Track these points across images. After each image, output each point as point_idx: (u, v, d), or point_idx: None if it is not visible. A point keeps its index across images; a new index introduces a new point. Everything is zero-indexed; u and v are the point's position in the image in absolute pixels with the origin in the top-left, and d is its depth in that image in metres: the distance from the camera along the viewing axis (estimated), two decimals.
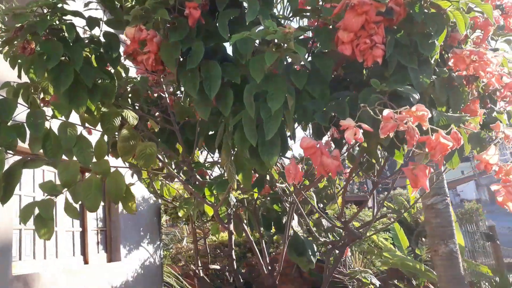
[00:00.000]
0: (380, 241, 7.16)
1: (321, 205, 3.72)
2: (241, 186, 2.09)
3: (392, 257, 6.68)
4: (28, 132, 1.84)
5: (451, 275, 4.14)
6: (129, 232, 5.91)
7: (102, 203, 5.28)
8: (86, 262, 4.78)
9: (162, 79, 2.41)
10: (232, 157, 1.80)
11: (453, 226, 4.30)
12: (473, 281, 6.93)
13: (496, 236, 7.70)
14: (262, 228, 2.90)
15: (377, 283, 5.52)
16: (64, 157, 1.89)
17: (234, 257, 2.79)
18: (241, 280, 2.84)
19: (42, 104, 2.03)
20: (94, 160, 1.91)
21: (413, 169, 1.32)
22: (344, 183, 3.09)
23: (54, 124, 1.97)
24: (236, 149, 1.77)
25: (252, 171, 1.95)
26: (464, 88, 1.72)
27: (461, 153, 1.56)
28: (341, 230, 3.43)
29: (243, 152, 1.58)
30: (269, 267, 2.70)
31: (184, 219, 7.57)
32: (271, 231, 3.06)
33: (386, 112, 1.21)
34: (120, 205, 5.60)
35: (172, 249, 7.73)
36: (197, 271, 3.02)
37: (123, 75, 2.30)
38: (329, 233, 3.17)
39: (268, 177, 2.60)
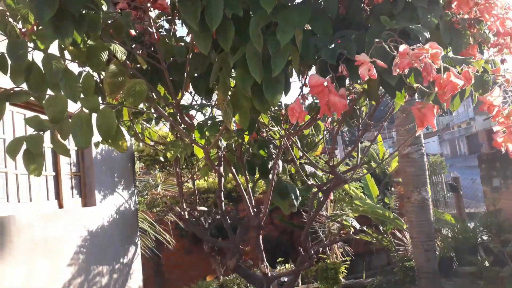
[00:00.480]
0: (352, 190, 7.40)
1: (300, 154, 3.76)
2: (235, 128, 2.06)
3: (362, 204, 6.96)
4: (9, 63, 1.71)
5: (422, 221, 4.37)
6: (103, 177, 5.83)
7: (75, 148, 5.14)
8: (60, 206, 4.71)
9: (146, 15, 2.27)
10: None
11: (426, 175, 4.49)
12: (437, 228, 7.34)
13: (460, 187, 8.10)
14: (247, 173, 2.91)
15: (357, 225, 5.75)
16: (49, 92, 1.79)
17: (223, 198, 2.80)
18: (229, 221, 2.88)
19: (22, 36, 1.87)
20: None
21: (421, 108, 1.32)
22: (326, 132, 3.11)
23: (36, 57, 1.84)
24: (233, 88, 1.72)
25: None
26: (466, 32, 1.71)
27: (462, 96, 1.57)
28: (324, 176, 3.49)
29: (245, 90, 1.52)
30: (255, 209, 2.74)
31: (158, 167, 7.54)
32: (255, 176, 3.08)
33: (402, 47, 1.18)
34: (93, 150, 5.47)
35: (148, 196, 7.73)
36: (182, 213, 3.02)
37: (104, 8, 2.15)
38: (311, 179, 3.22)
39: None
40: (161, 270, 9.77)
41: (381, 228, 7.53)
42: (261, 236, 2.89)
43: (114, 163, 6.12)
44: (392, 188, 8.24)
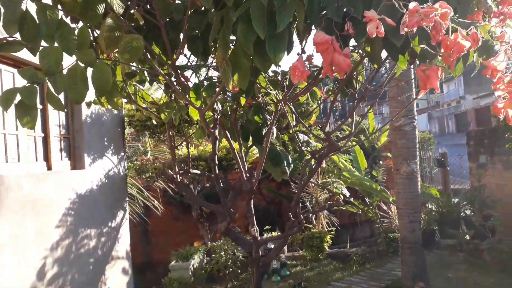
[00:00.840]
0: (341, 162, 7.47)
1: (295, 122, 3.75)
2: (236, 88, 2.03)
3: (351, 176, 7.04)
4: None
5: (409, 192, 4.44)
6: (93, 141, 5.78)
7: (65, 110, 5.06)
8: (49, 168, 4.67)
9: None
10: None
11: (417, 147, 4.53)
12: (422, 201, 7.49)
13: (447, 162, 8.23)
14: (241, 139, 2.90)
15: (347, 193, 5.83)
16: (43, 44, 1.73)
17: (216, 162, 2.79)
18: (221, 185, 2.89)
19: None
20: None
21: (425, 70, 1.31)
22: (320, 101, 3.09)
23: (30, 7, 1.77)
24: (233, 46, 1.68)
25: None
26: None
27: (465, 61, 1.56)
28: (318, 144, 3.50)
29: (247, 47, 1.49)
30: (248, 175, 2.74)
31: (148, 133, 7.47)
32: (249, 142, 3.07)
33: (412, 4, 1.16)
34: (83, 112, 5.38)
35: (137, 162, 7.70)
36: (175, 176, 3.02)
37: None
38: (304, 146, 3.23)
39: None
40: (149, 236, 9.86)
41: (367, 200, 7.66)
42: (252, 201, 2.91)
43: (104, 127, 6.05)
44: (380, 162, 8.35)
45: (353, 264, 6.34)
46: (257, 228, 3.06)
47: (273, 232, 7.72)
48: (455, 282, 5.13)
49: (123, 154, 6.85)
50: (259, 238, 3.12)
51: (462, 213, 7.23)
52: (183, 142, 4.62)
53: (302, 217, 3.04)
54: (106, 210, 6.48)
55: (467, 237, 6.69)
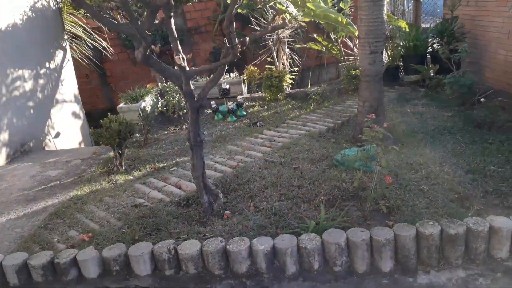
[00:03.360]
0: None
1: None
2: None
3: (315, 8, 6.33)
4: None
5: (373, 19, 3.89)
6: None
7: None
8: None
9: None
10: None
11: None
12: (389, 35, 7.01)
13: None
14: None
15: (294, 11, 5.27)
16: None
17: None
18: None
19: None
20: None
21: None
22: None
23: None
24: None
25: None
26: None
27: None
28: None
29: None
30: None
31: None
32: None
33: None
34: None
35: None
36: None
37: None
38: None
39: None
40: (108, 81, 9.35)
41: (332, 36, 7.11)
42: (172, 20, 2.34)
43: None
44: None
45: (312, 103, 6.12)
46: (184, 56, 2.55)
47: (231, 74, 7.29)
48: (410, 116, 5.01)
49: None
50: (187, 68, 2.64)
51: (430, 48, 6.85)
52: None
53: (237, 41, 2.52)
54: (39, 49, 5.77)
55: (431, 72, 6.44)
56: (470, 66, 6.28)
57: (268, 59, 7.38)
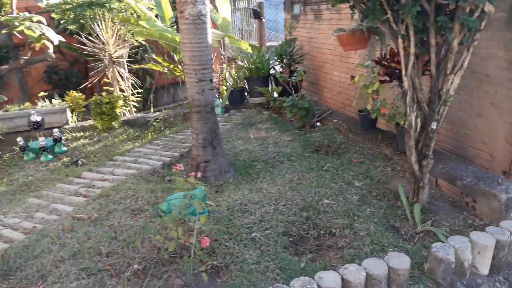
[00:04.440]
0: (140, 9, 6.04)
1: None
2: None
3: (150, 27, 5.77)
4: None
5: (196, 43, 3.46)
6: None
7: None
8: None
9: None
10: None
11: None
12: (231, 57, 6.79)
13: (262, 13, 7.50)
14: None
15: (55, 38, 4.62)
16: None
17: None
18: None
19: None
20: None
21: None
22: None
23: None
24: None
25: None
26: None
27: None
28: None
29: None
30: None
31: None
32: None
33: None
34: None
35: None
36: None
37: None
38: None
39: None
40: None
41: (175, 56, 6.62)
42: None
43: None
44: None
45: (152, 131, 5.51)
46: None
47: (53, 100, 6.25)
48: (253, 143, 4.75)
49: None
50: None
51: (272, 69, 6.83)
52: None
53: None
54: None
55: (275, 94, 6.38)
56: (311, 86, 6.37)
57: (106, 80, 6.55)
